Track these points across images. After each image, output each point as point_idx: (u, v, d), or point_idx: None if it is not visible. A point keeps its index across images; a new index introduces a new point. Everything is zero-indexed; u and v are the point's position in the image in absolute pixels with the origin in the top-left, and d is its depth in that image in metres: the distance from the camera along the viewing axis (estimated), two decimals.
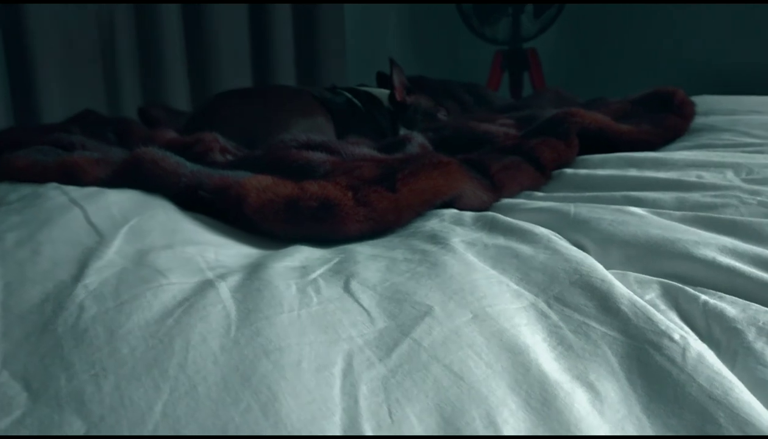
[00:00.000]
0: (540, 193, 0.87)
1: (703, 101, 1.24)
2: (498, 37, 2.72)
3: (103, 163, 0.90)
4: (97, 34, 1.87)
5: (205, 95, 2.09)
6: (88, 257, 0.51)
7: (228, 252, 0.58)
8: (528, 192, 0.88)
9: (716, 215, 0.64)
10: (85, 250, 0.53)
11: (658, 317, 0.40)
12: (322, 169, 0.81)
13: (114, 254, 0.52)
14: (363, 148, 0.91)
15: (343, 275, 0.48)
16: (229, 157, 0.99)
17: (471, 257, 0.51)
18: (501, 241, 0.57)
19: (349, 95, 1.46)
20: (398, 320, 0.39)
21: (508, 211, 0.77)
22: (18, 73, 1.75)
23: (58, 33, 1.78)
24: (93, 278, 0.46)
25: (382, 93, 1.52)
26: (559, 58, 2.95)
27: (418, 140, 1.00)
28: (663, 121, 1.09)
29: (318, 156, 0.84)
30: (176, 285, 0.44)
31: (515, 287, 0.46)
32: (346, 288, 0.45)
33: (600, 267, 0.48)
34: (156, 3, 1.95)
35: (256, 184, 0.69)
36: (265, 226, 0.67)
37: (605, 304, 0.42)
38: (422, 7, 3.02)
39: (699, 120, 1.16)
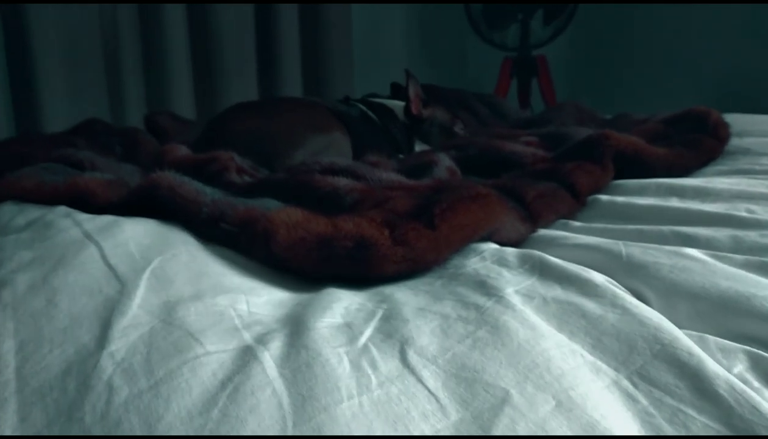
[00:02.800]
0: (577, 223, 0.83)
1: (735, 121, 1.19)
2: (507, 43, 2.67)
3: (116, 185, 0.85)
4: (100, 39, 1.81)
5: (210, 101, 2.04)
6: (111, 313, 0.46)
7: (259, 300, 0.54)
8: (563, 221, 0.84)
9: None
10: (106, 301, 0.48)
11: (765, 406, 0.36)
12: (350, 198, 0.76)
13: (138, 308, 0.47)
14: (390, 173, 0.86)
15: (396, 341, 0.43)
16: (247, 178, 0.94)
17: (533, 317, 0.47)
18: (559, 293, 0.52)
19: (364, 107, 1.41)
20: (473, 410, 0.35)
21: (549, 245, 0.72)
22: (20, 78, 1.70)
23: (61, 38, 1.72)
24: (119, 344, 0.41)
25: (397, 105, 1.47)
26: (568, 65, 2.90)
27: (445, 163, 0.95)
28: (699, 144, 1.05)
29: (344, 183, 0.80)
30: (213, 355, 0.39)
31: (590, 358, 0.41)
32: (404, 361, 0.40)
33: (681, 334, 0.43)
34: (161, 3, 1.89)
35: (286, 219, 0.64)
36: (295, 265, 0.62)
37: (699, 385, 0.38)
38: (430, 12, 2.97)
39: (733, 142, 1.12)
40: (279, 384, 0.36)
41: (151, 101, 1.95)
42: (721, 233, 0.70)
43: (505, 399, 0.35)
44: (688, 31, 2.56)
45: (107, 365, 0.38)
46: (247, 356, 0.39)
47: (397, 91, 1.63)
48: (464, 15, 2.65)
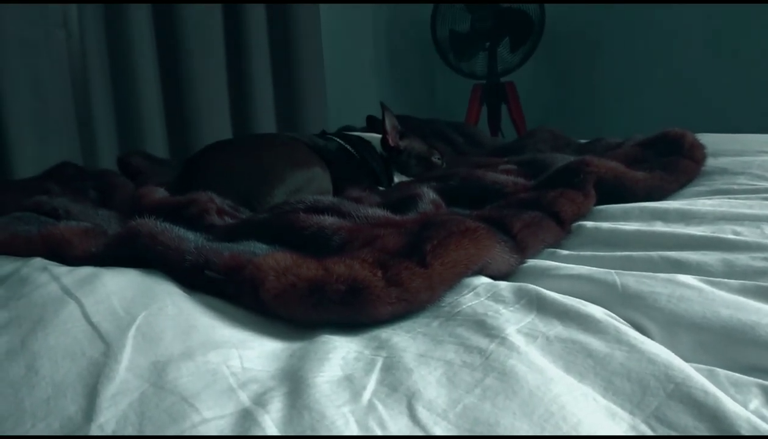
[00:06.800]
0: (564, 251, 0.82)
1: (708, 141, 1.20)
2: (476, 72, 2.70)
3: (93, 234, 0.82)
4: (70, 80, 1.78)
5: (183, 139, 2.01)
6: (97, 378, 0.43)
7: (252, 353, 0.51)
8: (551, 250, 0.83)
9: None
10: (91, 365, 0.45)
11: None
12: (337, 238, 0.74)
13: (126, 371, 0.44)
14: (375, 209, 0.85)
15: (402, 395, 0.41)
16: (228, 219, 0.92)
17: (539, 359, 0.45)
18: (561, 330, 0.51)
19: (341, 141, 1.41)
20: None
21: (541, 277, 0.71)
22: None
23: (30, 80, 1.68)
24: (108, 414, 0.38)
25: (373, 137, 1.46)
26: (536, 91, 2.94)
27: (429, 196, 0.94)
28: (676, 167, 1.06)
29: (330, 221, 0.78)
30: (211, 423, 0.37)
31: (604, 402, 0.40)
32: (413, 417, 0.38)
33: (692, 371, 0.42)
34: (131, 42, 1.87)
35: (274, 264, 0.62)
36: (286, 313, 0.60)
37: (720, 427, 0.36)
38: (399, 42, 2.99)
39: (708, 162, 1.13)
40: None
41: (123, 141, 1.91)
42: (711, 257, 0.69)
43: None
44: (653, 54, 2.61)
45: None
46: (247, 422, 0.37)
47: (373, 124, 1.63)
48: (432, 44, 2.68)
